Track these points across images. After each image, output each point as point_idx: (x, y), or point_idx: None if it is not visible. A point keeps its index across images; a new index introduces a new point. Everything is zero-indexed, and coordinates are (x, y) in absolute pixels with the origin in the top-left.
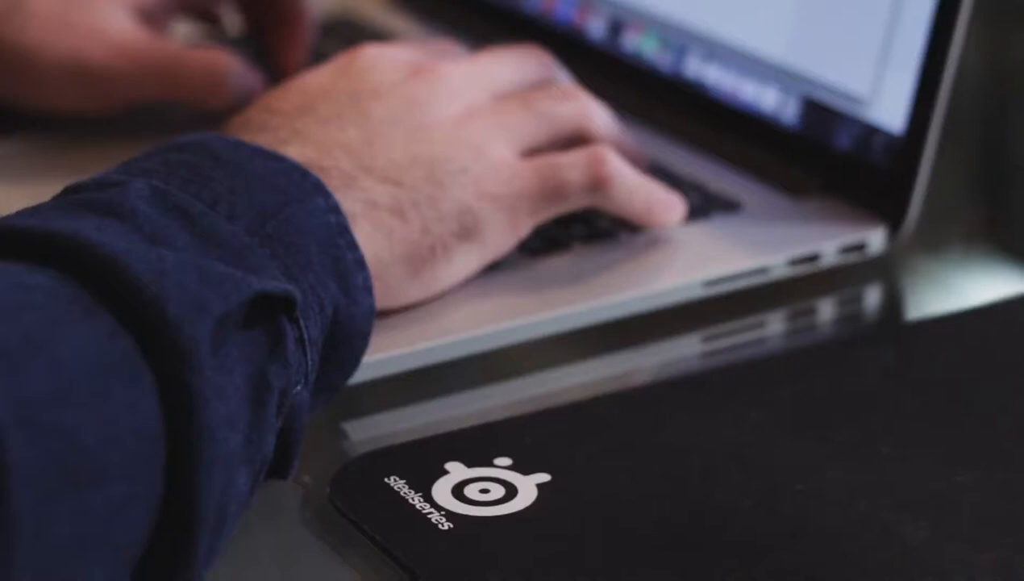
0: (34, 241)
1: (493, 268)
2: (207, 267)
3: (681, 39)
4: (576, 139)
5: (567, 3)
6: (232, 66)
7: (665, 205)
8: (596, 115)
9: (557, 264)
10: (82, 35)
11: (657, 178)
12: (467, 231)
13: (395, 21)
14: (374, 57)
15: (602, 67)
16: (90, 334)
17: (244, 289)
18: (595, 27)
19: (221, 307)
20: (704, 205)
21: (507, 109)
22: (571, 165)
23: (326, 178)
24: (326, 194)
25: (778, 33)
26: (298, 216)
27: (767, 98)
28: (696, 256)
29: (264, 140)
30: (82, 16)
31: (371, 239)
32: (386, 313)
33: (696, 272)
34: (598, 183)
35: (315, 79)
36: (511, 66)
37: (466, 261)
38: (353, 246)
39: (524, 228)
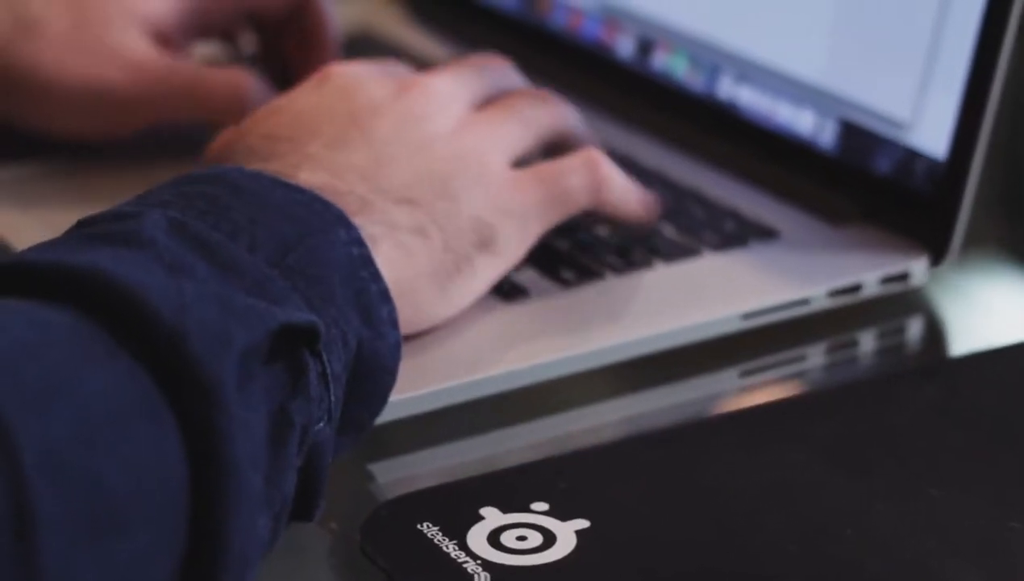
0: (49, 275)
1: (525, 300)
2: (229, 298)
3: (713, 59)
4: (556, 142)
5: (593, 20)
6: (254, 86)
7: (645, 201)
8: (570, 116)
9: (590, 296)
10: (97, 56)
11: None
12: (485, 242)
13: (414, 37)
14: (352, 75)
15: (630, 86)
16: (111, 374)
17: (268, 320)
18: (623, 45)
19: (245, 339)
20: (740, 233)
21: (496, 119)
22: (571, 170)
23: (344, 204)
24: (348, 225)
25: (814, 53)
26: (320, 248)
27: (803, 121)
28: (734, 287)
29: (275, 168)
30: (97, 36)
31: (395, 260)
32: (414, 346)
33: (735, 304)
34: (598, 185)
35: (301, 101)
36: (481, 75)
37: (488, 273)
38: (377, 277)
39: (534, 236)
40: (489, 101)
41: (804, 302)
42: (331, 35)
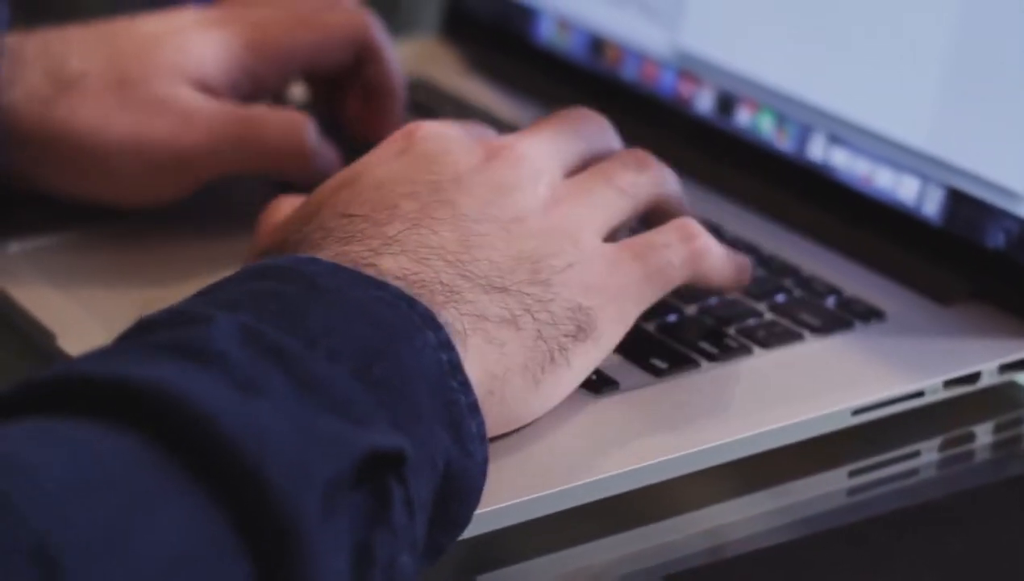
0: (110, 392)
1: (615, 392)
2: (311, 423)
3: (803, 117)
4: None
5: (668, 71)
6: (311, 128)
7: (743, 267)
8: (669, 181)
9: (686, 388)
10: (142, 108)
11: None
12: (581, 330)
13: (471, 85)
14: (438, 137)
15: (709, 145)
16: (177, 514)
17: (354, 447)
18: (702, 100)
19: (330, 471)
20: (844, 314)
21: (591, 188)
22: (667, 244)
23: (429, 295)
24: (436, 327)
25: (919, 115)
26: (406, 356)
27: (905, 188)
28: (842, 378)
29: (355, 253)
30: (139, 89)
31: (483, 355)
32: (501, 448)
33: (844, 398)
34: (695, 257)
35: (380, 170)
36: (575, 135)
37: (583, 362)
38: (467, 388)
39: (632, 317)
40: (582, 165)
41: (919, 394)
42: (398, 88)
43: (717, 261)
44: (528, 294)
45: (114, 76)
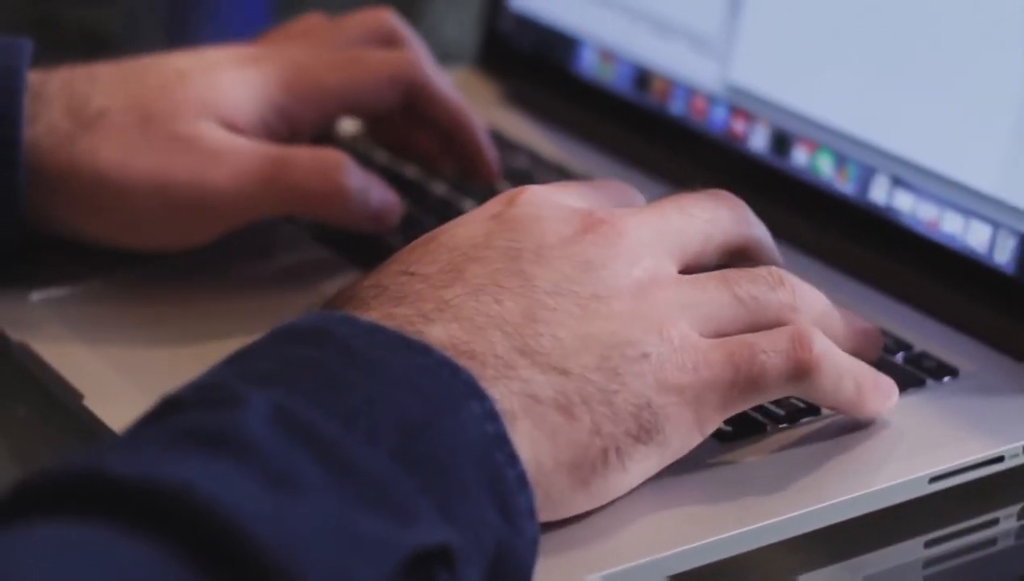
0: (134, 495)
1: (679, 461)
2: (350, 523)
3: (864, 158)
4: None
5: (720, 106)
6: (348, 165)
7: (877, 392)
8: (810, 302)
9: (752, 456)
10: (165, 146)
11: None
12: (645, 431)
13: (509, 119)
14: (538, 203)
15: (763, 186)
16: None
17: (398, 548)
18: (755, 138)
19: (372, 575)
20: (914, 370)
21: (701, 284)
22: (770, 348)
23: (478, 367)
24: (481, 397)
25: (990, 158)
26: (448, 429)
27: (975, 235)
28: (917, 442)
29: (403, 315)
30: (163, 126)
31: (531, 442)
32: (545, 527)
33: (921, 465)
34: (802, 370)
35: (466, 229)
36: (701, 219)
37: (642, 466)
38: (514, 460)
39: (711, 424)
40: (704, 253)
41: (998, 459)
42: (464, 121)
43: (834, 381)
44: (591, 381)
45: (137, 113)
